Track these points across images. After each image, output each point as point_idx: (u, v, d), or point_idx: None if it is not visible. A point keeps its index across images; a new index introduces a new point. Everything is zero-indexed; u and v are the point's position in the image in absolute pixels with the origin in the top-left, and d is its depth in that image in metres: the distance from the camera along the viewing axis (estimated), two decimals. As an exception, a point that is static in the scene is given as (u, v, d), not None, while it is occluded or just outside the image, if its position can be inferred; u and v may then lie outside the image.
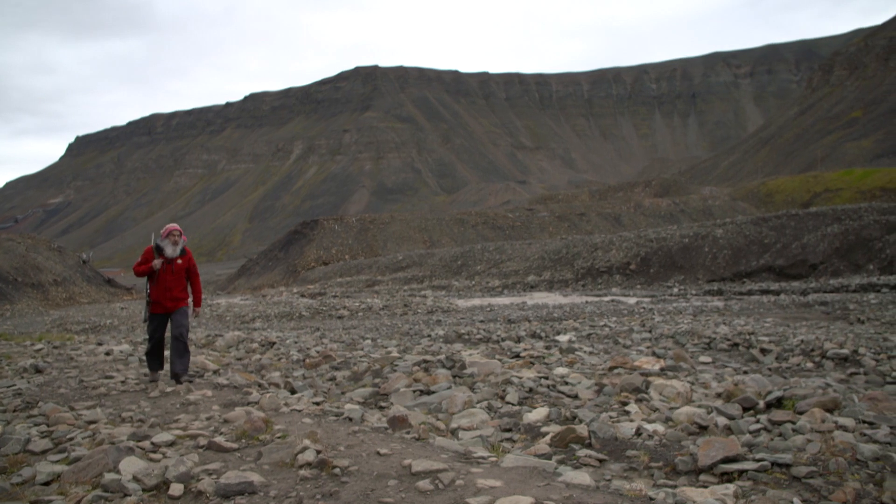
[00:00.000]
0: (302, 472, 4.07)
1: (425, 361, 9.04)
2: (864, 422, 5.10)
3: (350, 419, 5.95)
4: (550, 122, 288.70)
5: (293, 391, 7.95)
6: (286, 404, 6.37)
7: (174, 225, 8.21)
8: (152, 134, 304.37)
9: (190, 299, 8.40)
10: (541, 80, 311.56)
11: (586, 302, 24.82)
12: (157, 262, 7.92)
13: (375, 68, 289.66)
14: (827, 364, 9.67)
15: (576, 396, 6.91)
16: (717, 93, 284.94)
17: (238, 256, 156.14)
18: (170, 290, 8.02)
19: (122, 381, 7.96)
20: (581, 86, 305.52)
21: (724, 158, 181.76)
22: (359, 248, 66.57)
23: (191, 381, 7.80)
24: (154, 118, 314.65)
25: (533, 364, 8.84)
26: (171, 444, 4.90)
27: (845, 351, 9.92)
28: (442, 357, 9.19)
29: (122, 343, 13.52)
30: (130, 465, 4.22)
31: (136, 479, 4.05)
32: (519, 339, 12.48)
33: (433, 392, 7.36)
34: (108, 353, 10.88)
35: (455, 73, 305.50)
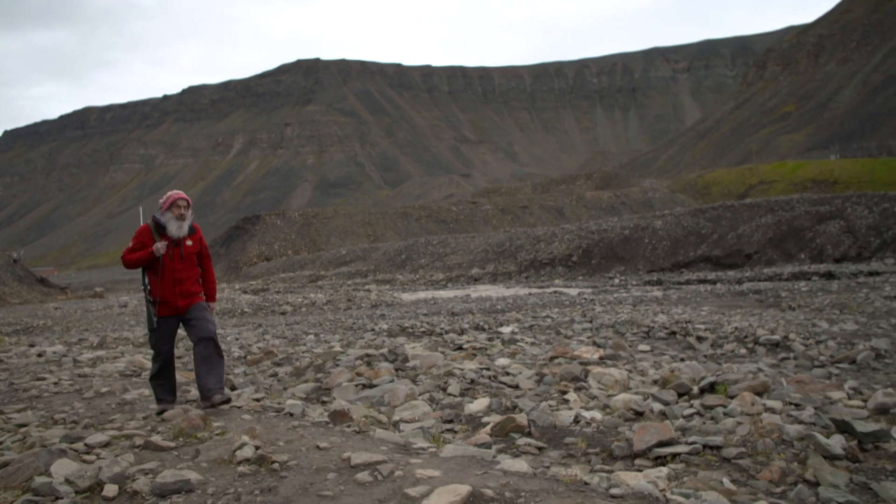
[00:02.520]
0: (240, 469, 4.04)
1: (368, 355, 9.03)
2: (790, 404, 5.29)
3: (291, 414, 5.92)
4: (493, 116, 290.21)
5: (233, 388, 7.85)
6: (226, 401, 6.28)
7: (178, 192, 6.14)
8: (86, 128, 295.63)
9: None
10: (484, 73, 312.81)
11: (529, 294, 25.08)
12: (159, 246, 5.87)
13: (317, 61, 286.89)
14: (759, 350, 9.97)
15: (517, 386, 6.99)
16: (656, 87, 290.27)
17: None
18: (180, 282, 6.02)
19: (56, 383, 7.72)
20: (524, 79, 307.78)
21: (663, 151, 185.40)
22: (302, 243, 65.95)
23: (226, 402, 5.82)
24: (87, 112, 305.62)
25: (475, 356, 8.91)
26: (105, 445, 4.80)
27: (776, 337, 10.25)
28: (385, 351, 9.19)
29: (55, 344, 13.16)
30: (62, 468, 4.12)
31: (68, 481, 3.96)
32: (462, 332, 12.54)
33: (376, 386, 7.36)
34: (40, 355, 10.56)
35: (398, 66, 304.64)
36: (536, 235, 40.39)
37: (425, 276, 39.29)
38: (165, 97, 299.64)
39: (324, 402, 7.02)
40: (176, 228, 6.03)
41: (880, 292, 16.66)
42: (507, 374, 7.53)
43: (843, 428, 4.41)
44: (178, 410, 5.60)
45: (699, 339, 10.96)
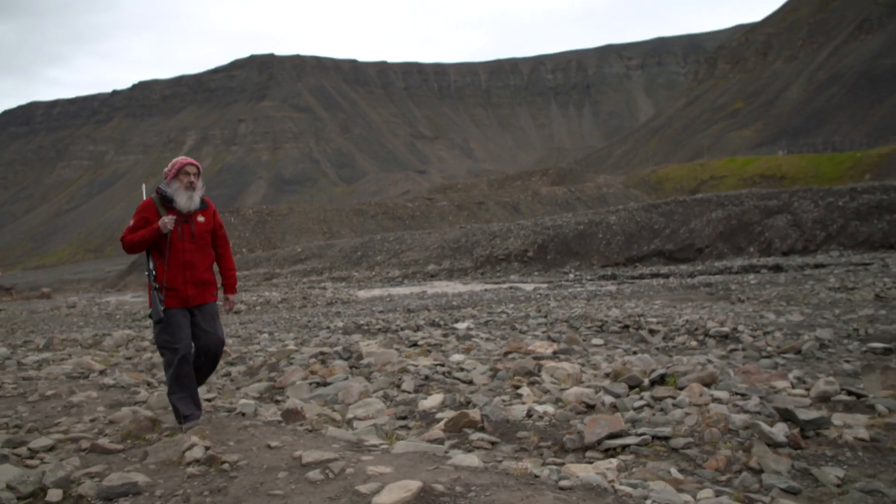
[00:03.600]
0: (189, 470, 3.98)
1: (323, 353, 8.98)
2: (737, 394, 5.41)
3: (243, 414, 5.87)
4: (449, 112, 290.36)
5: (185, 388, 7.74)
6: (176, 402, 6.19)
7: (186, 158, 5.29)
8: (31, 124, 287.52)
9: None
10: (439, 69, 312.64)
11: (485, 289, 25.18)
12: (167, 220, 5.00)
13: (271, 56, 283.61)
14: (709, 342, 10.16)
15: (471, 382, 7.03)
16: (610, 84, 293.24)
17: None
18: (192, 266, 5.13)
19: (-1, 386, 7.53)
20: (479, 76, 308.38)
21: (617, 147, 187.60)
22: (256, 240, 65.24)
23: (189, 422, 4.92)
24: (33, 107, 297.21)
25: (430, 352, 8.93)
26: (50, 449, 4.70)
27: (726, 329, 10.45)
28: (339, 349, 9.15)
29: None
30: (4, 473, 4.02)
31: (9, 487, 3.86)
32: (418, 328, 12.55)
33: (330, 384, 7.34)
34: (-17, 357, 10.28)
35: (353, 62, 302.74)
36: (492, 231, 40.56)
37: (381, 273, 39.18)
38: (115, 92, 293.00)
39: (277, 402, 6.97)
40: (185, 200, 5.14)
41: (825, 284, 17.10)
42: (462, 369, 7.55)
43: (786, 416, 4.52)
44: (127, 412, 5.49)
45: (651, 332, 11.12)
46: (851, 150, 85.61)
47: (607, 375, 6.77)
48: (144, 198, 5.42)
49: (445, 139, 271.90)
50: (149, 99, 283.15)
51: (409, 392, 6.77)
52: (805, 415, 4.44)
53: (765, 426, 4.30)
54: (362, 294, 27.31)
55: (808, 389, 5.55)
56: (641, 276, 27.22)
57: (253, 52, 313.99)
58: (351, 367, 8.08)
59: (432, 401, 6.18)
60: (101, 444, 4.58)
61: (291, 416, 5.53)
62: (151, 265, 5.16)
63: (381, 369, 7.82)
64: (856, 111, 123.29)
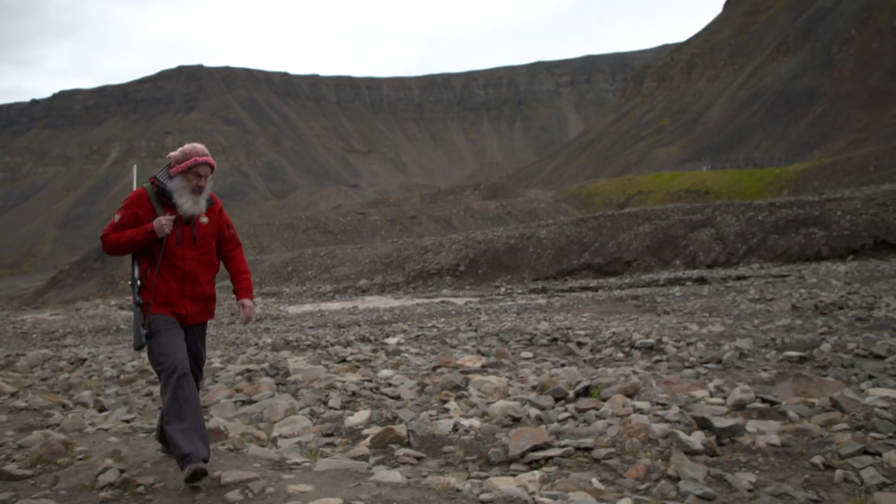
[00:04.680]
0: (103, 494, 3.85)
1: (249, 371, 8.81)
2: (658, 404, 5.53)
3: (163, 434, 5.70)
4: (382, 127, 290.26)
5: (103, 409, 7.49)
6: (92, 424, 5.98)
7: (201, 151, 4.30)
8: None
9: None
10: (372, 84, 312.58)
11: (417, 304, 25.17)
12: (164, 222, 4.10)
13: (200, 68, 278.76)
14: (635, 353, 10.37)
15: (398, 397, 7.00)
16: (541, 100, 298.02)
17: (47, 268, 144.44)
18: (192, 279, 4.26)
19: None
20: (412, 91, 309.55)
21: (548, 162, 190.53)
22: (184, 255, 63.70)
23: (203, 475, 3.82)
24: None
25: (359, 368, 8.86)
26: (-47, 476, 4.47)
27: (651, 340, 10.69)
28: (266, 365, 9.00)
29: None
30: None
31: None
32: (348, 344, 12.44)
33: (255, 401, 7.20)
34: None
35: (284, 74, 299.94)
36: (424, 246, 40.62)
37: (312, 288, 38.77)
38: (34, 102, 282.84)
39: (200, 420, 6.81)
40: (190, 204, 4.21)
41: (745, 295, 17.66)
42: (390, 385, 7.52)
43: (704, 425, 4.64)
44: (38, 436, 5.26)
45: (579, 344, 11.28)
46: (771, 166, 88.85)
47: (534, 388, 6.83)
48: (135, 187, 4.49)
49: (378, 153, 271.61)
50: (70, 109, 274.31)
51: (335, 409, 6.70)
52: (721, 423, 4.57)
53: (683, 435, 4.40)
54: (293, 310, 26.96)
55: (725, 398, 5.71)
56: (571, 290, 27.63)
57: (181, 62, 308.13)
58: (278, 385, 7.95)
59: (359, 417, 6.13)
60: (7, 470, 4.38)
61: (213, 435, 5.40)
62: (137, 273, 4.20)
63: (308, 386, 7.73)
64: (774, 129, 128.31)
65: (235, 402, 7.19)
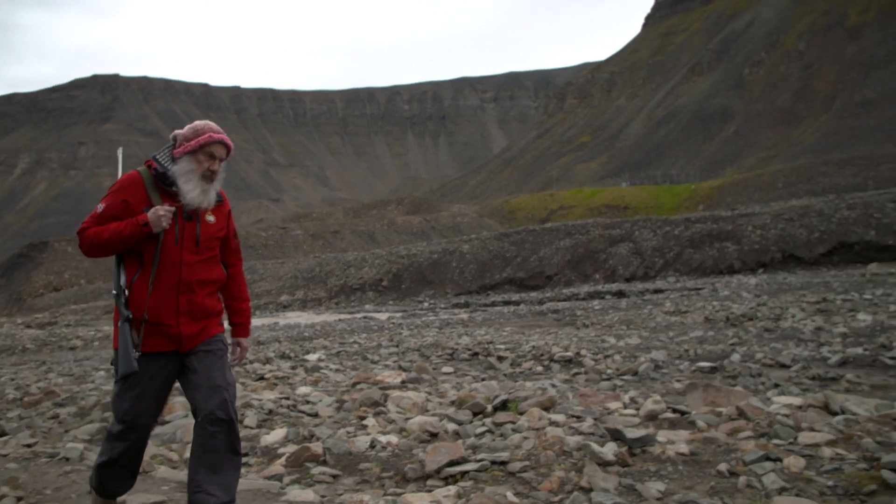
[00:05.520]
0: (-3, 523, 3.66)
1: (162, 389, 8.54)
2: (573, 416, 5.61)
3: (67, 459, 5.45)
4: (305, 140, 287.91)
5: (4, 434, 7.14)
6: (-11, 449, 5.69)
7: (215, 128, 3.51)
8: None
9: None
10: (295, 97, 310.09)
11: (339, 319, 24.94)
12: (161, 213, 3.28)
13: (116, 77, 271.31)
14: (554, 366, 10.50)
15: (316, 415, 6.90)
16: (465, 115, 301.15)
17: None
18: (190, 288, 3.40)
19: None
20: (335, 104, 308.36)
21: (472, 177, 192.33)
22: (97, 271, 61.52)
23: None
24: None
25: (277, 385, 8.70)
26: None
27: (569, 354, 10.85)
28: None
29: None
30: None
31: None
32: (267, 361, 12.21)
33: (168, 422, 6.99)
34: None
35: (205, 86, 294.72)
36: (347, 261, 40.35)
37: (233, 303, 37.99)
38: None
39: (108, 443, 6.55)
40: (198, 193, 3.38)
41: (662, 308, 18.14)
42: (308, 402, 7.41)
43: (616, 436, 4.73)
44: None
45: (500, 358, 11.36)
46: (687, 182, 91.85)
47: (453, 403, 6.83)
48: (120, 169, 3.76)
49: (300, 167, 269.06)
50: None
51: (251, 427, 6.55)
52: (633, 433, 4.66)
53: (596, 446, 4.47)
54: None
55: (638, 409, 5.83)
56: (493, 304, 27.87)
57: (96, 71, 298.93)
58: (191, 404, 7.73)
59: (275, 436, 6.01)
60: None
61: (120, 458, 5.20)
62: (123, 281, 3.33)
63: (223, 404, 7.54)
64: (690, 146, 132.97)
65: (146, 423, 6.96)
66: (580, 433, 5.07)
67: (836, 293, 16.55)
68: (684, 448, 4.52)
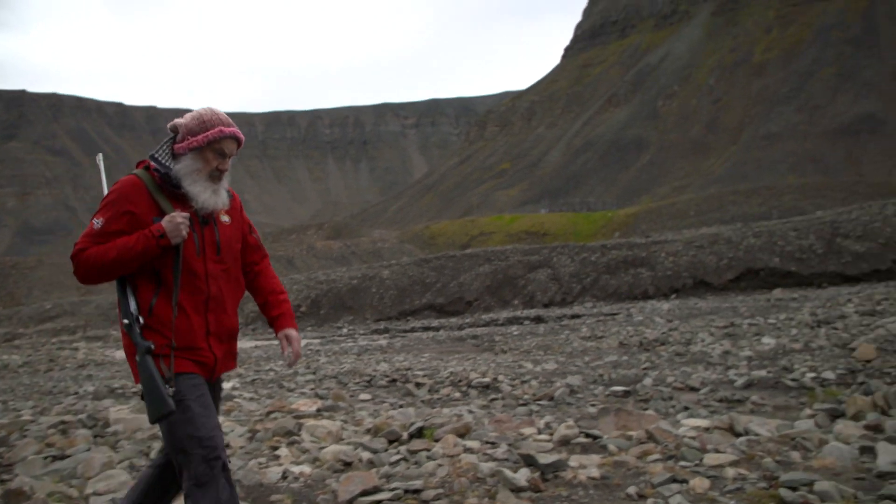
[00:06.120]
0: None
1: (64, 422, 8.15)
2: (487, 442, 5.62)
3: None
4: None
5: None
6: None
7: (221, 113, 3.11)
8: None
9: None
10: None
11: (255, 346, 24.42)
12: (178, 220, 2.85)
13: (22, 93, 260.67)
14: (472, 392, 10.54)
15: (227, 445, 6.70)
16: (386, 141, 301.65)
17: None
18: (217, 305, 3.01)
19: None
20: (255, 127, 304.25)
21: (392, 203, 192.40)
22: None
23: None
24: None
25: (187, 414, 8.43)
26: None
27: (487, 379, 10.91)
28: (84, 416, 8.37)
29: None
30: None
31: None
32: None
33: (69, 456, 6.66)
34: None
35: (119, 105, 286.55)
36: (266, 286, 39.63)
37: (145, 330, 36.73)
38: None
39: (3, 481, 6.20)
40: (208, 195, 2.98)
41: (578, 333, 18.45)
42: (219, 432, 7.20)
43: (529, 461, 4.76)
44: None
45: (418, 385, 11.33)
46: (604, 210, 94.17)
47: (368, 431, 6.76)
48: (105, 183, 3.16)
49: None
50: None
51: (158, 460, 6.31)
52: (545, 459, 4.70)
53: (509, 472, 4.49)
54: (120, 354, 25.36)
55: (552, 434, 5.89)
56: (413, 330, 27.82)
57: (0, 86, 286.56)
58: (95, 437, 7.40)
59: (183, 468, 5.81)
60: None
61: (15, 497, 4.93)
62: (135, 306, 2.87)
63: (129, 437, 7.25)
64: (606, 175, 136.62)
65: (46, 458, 6.62)
66: (494, 459, 5.08)
67: (742, 318, 17.18)
68: (595, 472, 4.58)
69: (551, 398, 9.46)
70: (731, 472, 4.39)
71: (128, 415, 8.31)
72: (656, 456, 4.91)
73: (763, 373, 9.54)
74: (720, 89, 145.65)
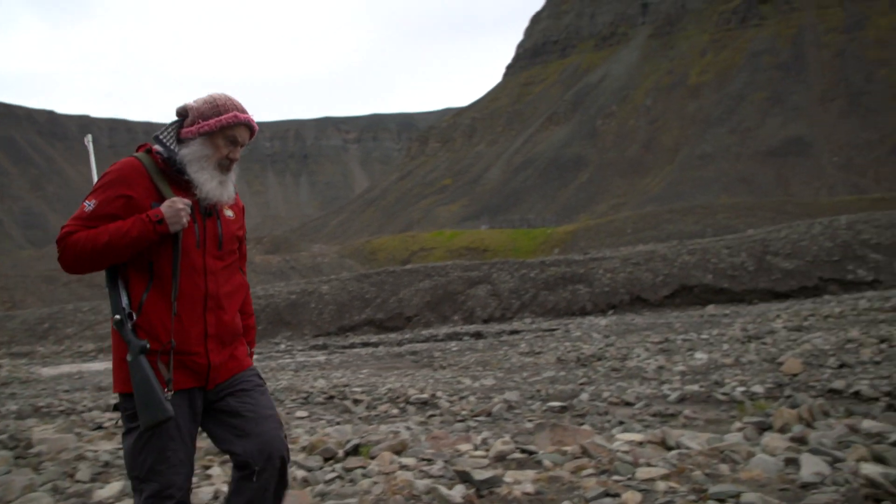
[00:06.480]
0: None
1: (-18, 443, 7.83)
2: (424, 459, 5.60)
3: None
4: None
5: None
6: None
7: (235, 102, 2.78)
8: None
9: None
10: (149, 128, 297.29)
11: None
12: (179, 206, 2.61)
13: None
14: (410, 409, 10.48)
15: (158, 465, 6.52)
16: (327, 155, 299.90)
17: None
18: (216, 304, 2.76)
19: None
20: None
21: (333, 217, 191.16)
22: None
23: None
24: None
25: (115, 435, 8.17)
26: None
27: (425, 395, 10.87)
28: (5, 437, 8.04)
29: None
30: None
31: None
32: (108, 408, 11.48)
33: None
34: None
35: (50, 113, 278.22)
36: (202, 300, 38.86)
37: (72, 346, 35.56)
38: None
39: (-87, 505, 5.90)
40: (214, 185, 2.76)
41: (517, 349, 18.57)
42: (149, 451, 7.00)
43: (465, 478, 4.75)
44: None
45: (355, 401, 11.23)
46: (543, 226, 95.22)
47: (304, 449, 6.66)
48: (94, 168, 2.91)
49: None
50: None
51: (84, 482, 6.10)
52: (480, 475, 4.70)
53: (444, 489, 4.47)
54: (47, 371, 24.50)
55: (488, 450, 5.89)
56: (352, 346, 27.59)
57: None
58: (16, 458, 7.11)
59: (110, 490, 5.62)
60: None
61: (-74, 520, 4.70)
62: (127, 301, 2.64)
63: (53, 458, 6.99)
64: (546, 192, 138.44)
65: (-38, 481, 6.33)
66: (430, 476, 5.06)
67: (677, 333, 17.54)
68: (530, 488, 4.60)
69: (489, 414, 9.47)
70: (662, 485, 4.46)
71: (52, 435, 8.02)
72: (590, 471, 4.96)
73: (695, 387, 9.74)
74: (657, 110, 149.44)
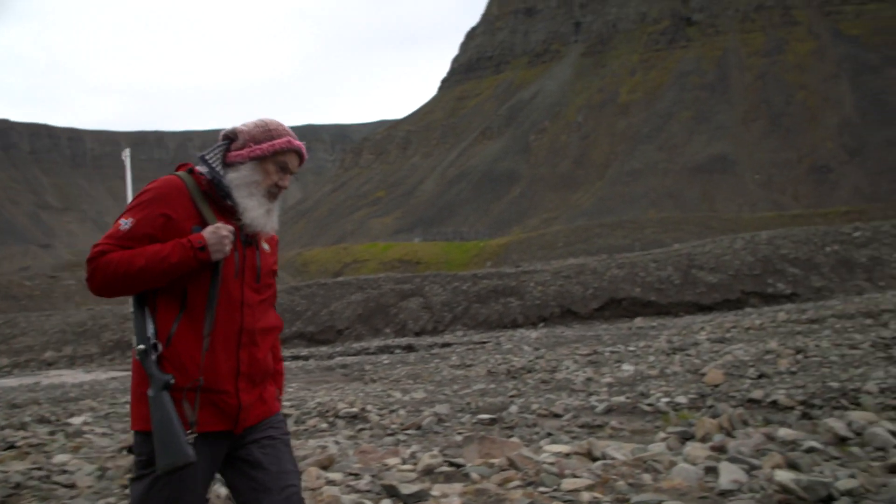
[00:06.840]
0: None
1: None
2: (351, 474, 5.54)
3: None
4: (83, 182, 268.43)
5: None
6: None
7: (287, 128, 2.76)
8: None
9: None
10: (74, 135, 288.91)
11: (111, 378, 23.15)
12: (223, 233, 2.41)
13: None
14: (339, 423, 10.37)
15: (73, 486, 6.27)
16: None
17: None
18: (251, 340, 2.53)
19: None
20: (120, 145, 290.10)
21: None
22: None
23: None
24: None
25: (29, 454, 7.84)
26: None
27: (355, 409, 10.78)
28: None
29: None
30: None
31: None
32: (21, 426, 11.00)
33: None
34: None
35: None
36: (124, 314, 37.66)
37: (-13, 361, 34.05)
38: None
39: None
40: (261, 213, 2.60)
41: (448, 362, 18.59)
42: (64, 471, 6.72)
43: (392, 492, 4.73)
44: None
45: (283, 416, 11.04)
46: (476, 239, 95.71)
47: (228, 465, 6.51)
48: (129, 177, 2.86)
49: (77, 211, 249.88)
50: None
51: (-8, 504, 5.83)
52: (408, 489, 4.68)
53: (370, 505, 4.44)
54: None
55: (416, 464, 5.87)
56: (282, 359, 27.18)
57: None
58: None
59: (21, 512, 5.39)
60: None
61: None
62: (153, 330, 2.41)
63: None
64: (479, 205, 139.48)
65: None
66: (357, 491, 5.01)
67: (605, 345, 17.84)
68: (457, 501, 4.60)
69: (419, 427, 9.44)
70: (586, 496, 4.52)
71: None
72: (517, 483, 4.98)
73: (622, 398, 9.92)
74: (588, 126, 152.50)
